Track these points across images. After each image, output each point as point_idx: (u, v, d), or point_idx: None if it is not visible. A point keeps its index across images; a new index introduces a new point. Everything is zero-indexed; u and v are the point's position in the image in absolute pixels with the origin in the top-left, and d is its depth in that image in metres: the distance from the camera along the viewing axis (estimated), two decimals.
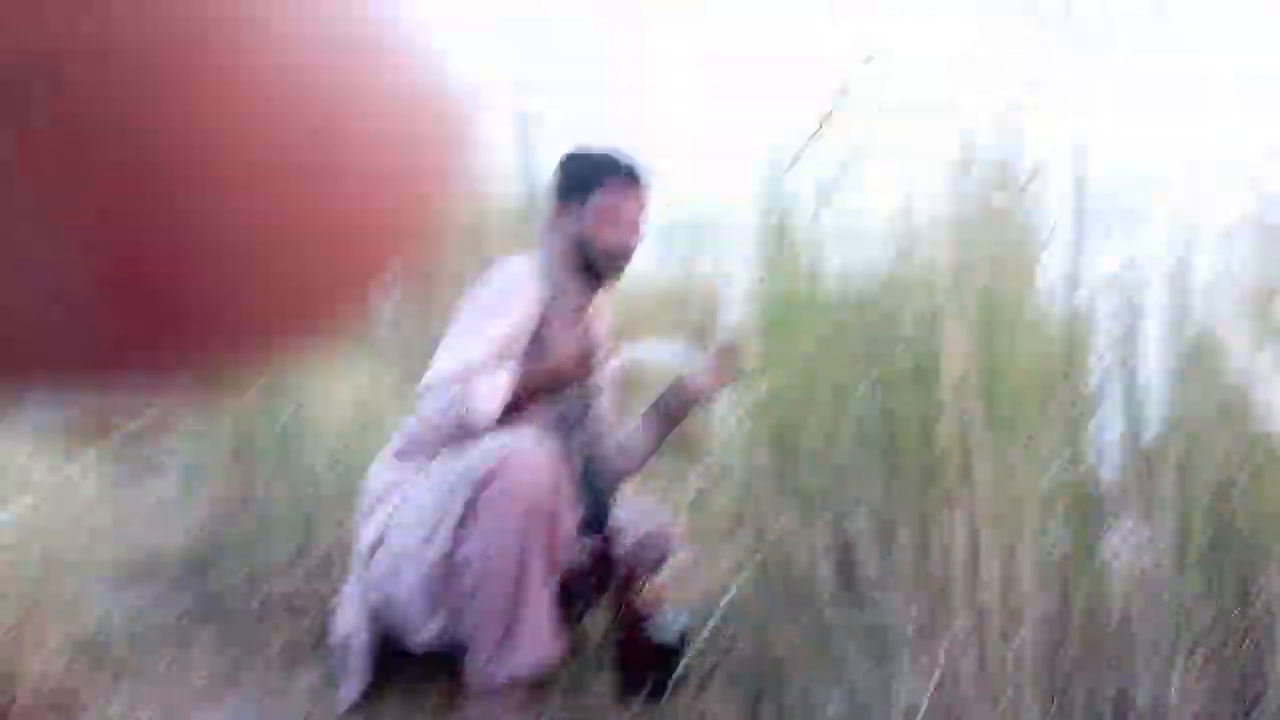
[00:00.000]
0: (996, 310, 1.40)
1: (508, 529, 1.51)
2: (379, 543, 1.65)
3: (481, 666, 1.55)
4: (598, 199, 1.85)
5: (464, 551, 1.54)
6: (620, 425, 1.98)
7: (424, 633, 1.61)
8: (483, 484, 1.52)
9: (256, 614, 2.11)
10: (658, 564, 1.95)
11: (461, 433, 1.63)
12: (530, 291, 1.74)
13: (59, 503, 2.20)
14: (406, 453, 1.71)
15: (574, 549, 1.68)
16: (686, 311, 3.06)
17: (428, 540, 1.57)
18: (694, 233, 3.21)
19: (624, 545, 1.85)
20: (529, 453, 1.54)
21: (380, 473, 1.73)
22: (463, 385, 1.65)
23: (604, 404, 1.92)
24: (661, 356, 1.72)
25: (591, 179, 1.85)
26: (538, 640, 1.54)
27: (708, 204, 1.89)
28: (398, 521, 1.63)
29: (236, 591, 2.16)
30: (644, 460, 1.96)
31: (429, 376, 1.67)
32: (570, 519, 1.62)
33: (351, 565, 1.77)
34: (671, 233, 3.21)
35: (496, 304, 1.73)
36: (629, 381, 2.03)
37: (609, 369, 1.87)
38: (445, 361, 1.68)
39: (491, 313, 1.73)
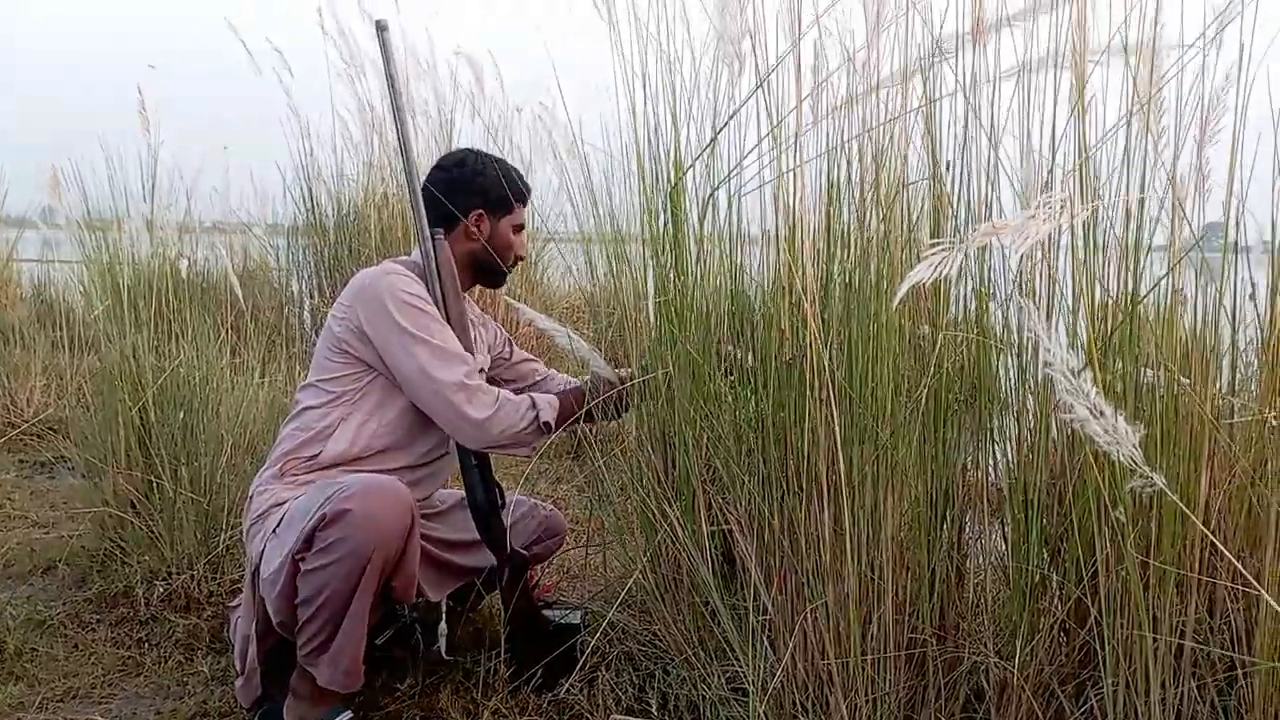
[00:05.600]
0: (861, 315, 1.50)
1: (337, 571, 1.56)
2: (262, 554, 1.69)
3: (303, 660, 1.62)
4: (518, 213, 1.94)
5: (304, 569, 1.59)
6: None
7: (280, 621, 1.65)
8: (328, 520, 1.56)
9: (156, 607, 2.13)
10: (552, 552, 2.06)
11: (531, 440, 1.77)
12: (432, 304, 1.80)
13: None
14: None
15: (415, 584, 1.71)
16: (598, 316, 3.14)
17: (288, 548, 1.62)
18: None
19: (523, 539, 1.93)
20: (374, 507, 1.57)
21: (264, 490, 1.76)
22: (532, 399, 1.79)
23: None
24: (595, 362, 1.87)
25: (515, 193, 1.93)
26: (344, 668, 1.61)
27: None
28: (277, 534, 1.68)
29: (136, 585, 2.17)
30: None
31: (461, 390, 1.72)
32: (415, 560, 1.66)
33: (245, 570, 1.79)
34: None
35: (432, 320, 1.77)
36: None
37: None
38: (453, 374, 1.73)
39: (436, 326, 1.77)
